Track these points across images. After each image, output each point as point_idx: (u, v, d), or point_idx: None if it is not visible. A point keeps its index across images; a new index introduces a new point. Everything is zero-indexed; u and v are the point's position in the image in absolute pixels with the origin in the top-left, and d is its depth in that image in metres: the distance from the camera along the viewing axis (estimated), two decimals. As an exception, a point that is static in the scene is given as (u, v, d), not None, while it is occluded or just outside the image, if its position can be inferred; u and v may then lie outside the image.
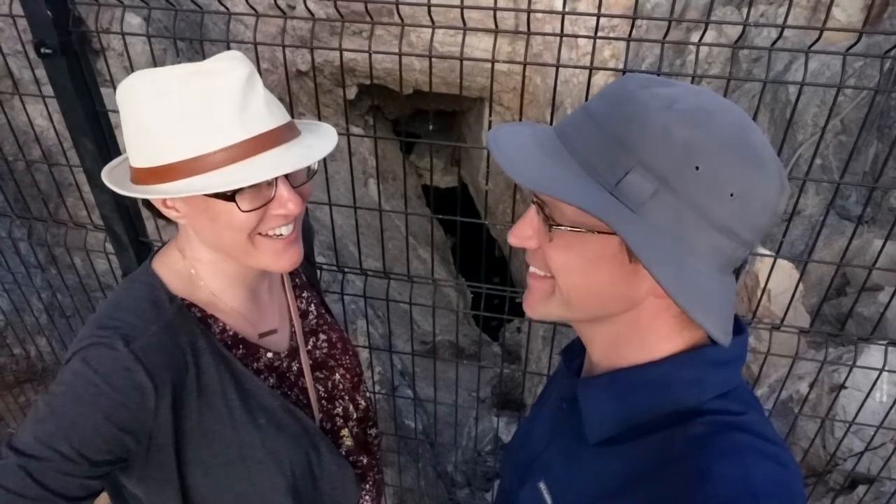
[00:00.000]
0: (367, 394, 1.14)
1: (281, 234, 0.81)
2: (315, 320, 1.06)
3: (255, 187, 0.76)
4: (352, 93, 9.42)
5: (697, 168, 0.55)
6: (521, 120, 1.01)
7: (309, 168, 0.83)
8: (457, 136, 11.64)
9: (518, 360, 6.50)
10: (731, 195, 0.56)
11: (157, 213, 0.84)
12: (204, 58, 0.79)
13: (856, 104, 3.98)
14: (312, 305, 1.07)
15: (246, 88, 0.74)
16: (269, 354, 0.94)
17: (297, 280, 1.06)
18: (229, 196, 0.74)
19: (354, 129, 8.81)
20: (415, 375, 4.21)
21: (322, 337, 1.05)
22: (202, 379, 0.82)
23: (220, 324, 0.88)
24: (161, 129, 0.73)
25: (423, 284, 1.44)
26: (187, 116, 0.72)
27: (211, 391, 0.83)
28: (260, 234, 0.80)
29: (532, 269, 0.69)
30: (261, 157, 0.74)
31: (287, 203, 0.78)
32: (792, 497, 0.56)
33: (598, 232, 0.60)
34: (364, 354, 2.35)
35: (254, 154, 0.74)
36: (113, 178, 0.82)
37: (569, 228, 0.62)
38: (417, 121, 11.77)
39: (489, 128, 0.73)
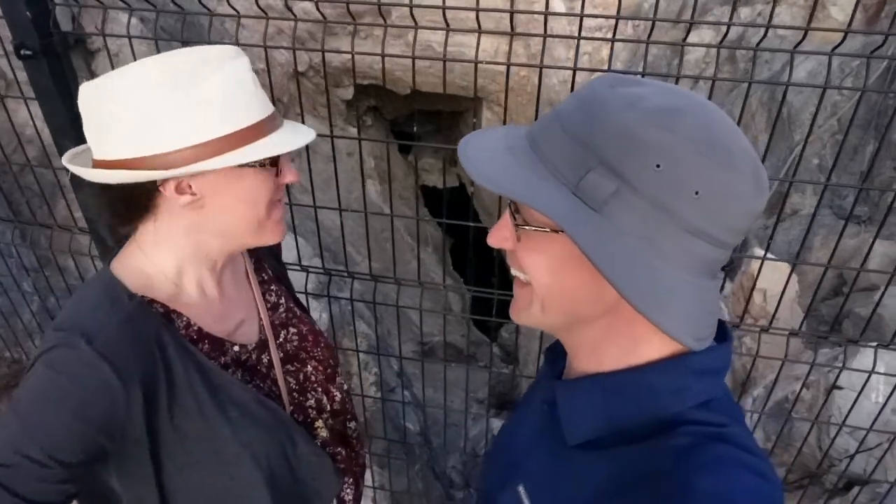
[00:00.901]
0: (345, 386, 1.14)
1: (279, 202, 0.89)
2: (284, 313, 1.06)
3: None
4: (349, 93, 9.40)
5: (658, 166, 0.54)
6: (504, 122, 1.01)
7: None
8: (456, 137, 11.65)
9: (515, 360, 6.49)
10: (696, 193, 0.54)
11: (135, 209, 0.83)
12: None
13: (852, 104, 3.97)
14: (283, 299, 1.08)
15: (251, 75, 0.82)
16: (236, 348, 0.94)
17: (264, 275, 1.07)
18: (274, 162, 0.83)
19: (352, 130, 8.79)
20: (412, 375, 4.20)
21: (292, 330, 1.06)
22: (170, 373, 0.82)
23: (184, 319, 0.87)
24: (196, 108, 0.76)
25: (414, 287, 1.43)
26: (225, 95, 0.78)
27: (179, 386, 0.82)
28: (272, 204, 0.87)
29: (514, 273, 0.69)
30: (276, 133, 0.83)
31: (288, 175, 0.87)
32: None
33: (560, 231, 0.59)
34: (361, 357, 2.34)
35: (271, 131, 0.83)
36: (79, 165, 0.82)
37: (533, 229, 0.62)
38: (416, 121, 11.76)
39: (475, 129, 0.74)
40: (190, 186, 0.81)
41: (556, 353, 0.83)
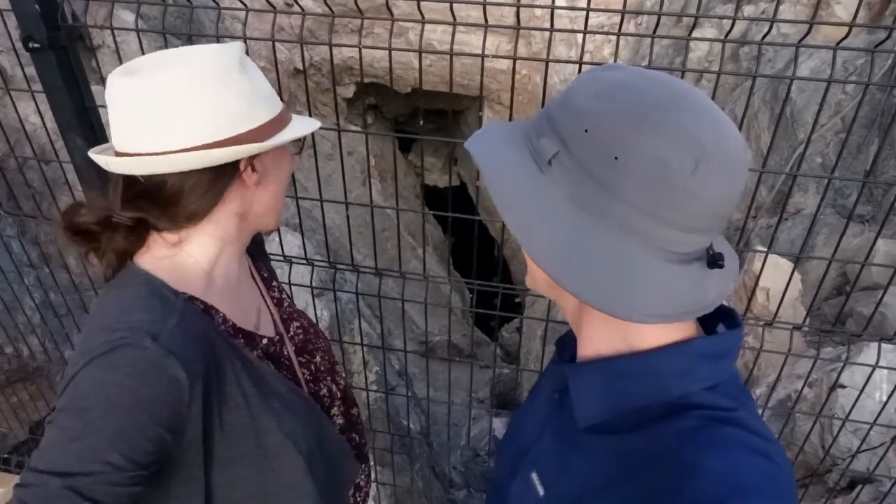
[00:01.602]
0: (343, 374, 1.17)
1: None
2: (289, 308, 1.09)
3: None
4: (349, 91, 9.40)
5: (586, 131, 0.57)
6: (510, 117, 1.04)
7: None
8: (456, 135, 11.65)
9: (516, 360, 6.49)
10: (616, 158, 0.56)
11: (216, 194, 0.86)
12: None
13: (856, 102, 3.97)
14: (284, 294, 1.11)
15: (258, 71, 0.89)
16: (265, 341, 0.95)
17: (263, 272, 1.09)
18: (300, 143, 0.93)
19: (352, 129, 8.78)
20: (413, 375, 4.20)
21: (296, 323, 1.08)
22: (219, 369, 0.82)
23: (221, 314, 0.88)
24: (250, 95, 0.84)
25: (420, 283, 1.43)
26: (264, 84, 0.87)
27: (227, 382, 0.82)
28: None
29: None
30: (293, 121, 0.92)
31: (297, 158, 0.97)
32: (780, 492, 0.55)
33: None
34: (362, 354, 2.34)
35: (290, 120, 0.91)
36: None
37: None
38: (416, 119, 11.76)
39: (481, 123, 0.77)
40: (253, 167, 0.87)
41: (564, 343, 0.84)
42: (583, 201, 0.58)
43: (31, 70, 1.30)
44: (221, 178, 0.83)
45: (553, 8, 1.11)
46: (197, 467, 0.80)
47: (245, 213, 0.89)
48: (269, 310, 1.03)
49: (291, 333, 1.05)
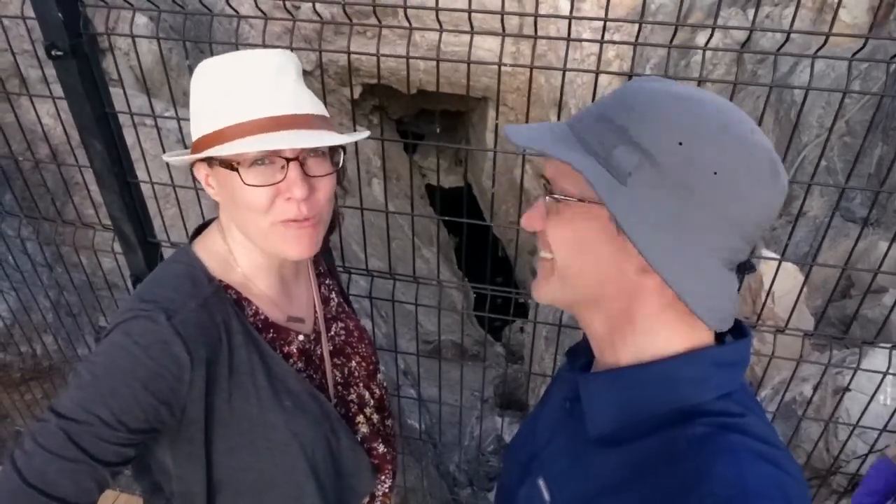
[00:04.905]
0: (384, 384, 1.16)
1: (294, 221, 0.83)
2: (335, 308, 1.09)
3: (267, 167, 0.79)
4: (356, 92, 9.42)
5: (680, 143, 0.58)
6: (526, 121, 1.03)
7: (332, 160, 0.86)
8: (461, 136, 11.65)
9: (521, 360, 6.50)
10: (715, 173, 0.57)
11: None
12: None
13: (861, 106, 3.97)
14: (333, 293, 1.10)
15: (274, 75, 0.80)
16: (301, 337, 0.97)
17: (320, 268, 1.09)
18: (232, 166, 0.79)
19: (348, 126, 8.79)
20: (419, 375, 4.22)
21: (340, 324, 1.08)
22: (233, 358, 0.85)
23: (253, 307, 0.91)
24: (196, 107, 0.82)
25: (425, 285, 1.45)
26: (216, 96, 0.80)
27: (241, 371, 0.85)
28: (278, 221, 0.82)
29: (541, 254, 0.72)
30: (270, 134, 0.77)
31: (293, 187, 0.79)
32: (787, 499, 0.56)
33: (590, 202, 0.63)
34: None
35: (264, 132, 0.78)
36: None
37: (565, 198, 0.66)
38: (421, 120, 11.78)
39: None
40: (207, 177, 0.85)
41: (577, 353, 0.85)
42: (670, 211, 0.59)
43: (48, 71, 1.33)
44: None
45: (571, 18, 1.13)
46: (199, 445, 0.84)
47: (238, 228, 0.88)
48: (315, 307, 1.04)
49: (332, 333, 1.05)
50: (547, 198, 0.68)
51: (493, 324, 7.75)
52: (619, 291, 0.66)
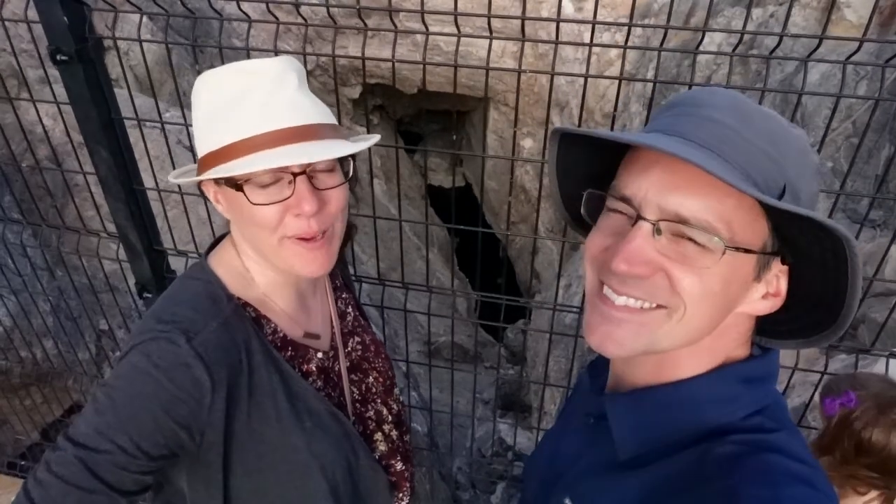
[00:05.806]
0: (401, 398, 1.14)
1: (304, 238, 0.81)
2: (352, 322, 1.06)
3: (274, 184, 0.77)
4: (355, 92, 9.39)
5: (804, 178, 0.61)
6: (520, 121, 1.00)
7: (342, 168, 0.84)
8: (461, 136, 11.64)
9: (521, 361, 6.49)
10: (819, 172, 0.61)
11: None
12: (223, 60, 0.83)
13: (867, 107, 3.95)
14: (350, 307, 1.07)
15: (274, 86, 0.77)
16: (320, 354, 0.94)
17: (336, 282, 1.07)
18: (238, 186, 0.76)
19: (359, 129, 8.79)
20: (418, 376, 4.20)
21: (357, 339, 1.05)
22: (253, 379, 0.82)
23: (272, 325, 0.88)
24: (198, 122, 0.79)
25: (433, 291, 1.43)
26: (217, 111, 0.77)
27: (261, 392, 0.83)
28: (288, 237, 0.80)
29: (622, 300, 0.62)
30: (274, 150, 0.75)
31: (301, 202, 0.77)
32: None
33: (763, 253, 0.60)
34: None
35: (268, 147, 0.75)
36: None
37: (749, 251, 0.58)
38: (421, 120, 11.75)
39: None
40: (216, 195, 0.83)
41: (597, 369, 0.83)
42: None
43: (51, 71, 1.30)
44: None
45: (558, 21, 1.11)
46: (216, 469, 0.81)
47: (249, 245, 0.87)
48: (332, 323, 1.01)
49: (349, 349, 1.03)
50: (727, 246, 0.57)
51: (495, 325, 7.72)
52: (718, 329, 0.63)
